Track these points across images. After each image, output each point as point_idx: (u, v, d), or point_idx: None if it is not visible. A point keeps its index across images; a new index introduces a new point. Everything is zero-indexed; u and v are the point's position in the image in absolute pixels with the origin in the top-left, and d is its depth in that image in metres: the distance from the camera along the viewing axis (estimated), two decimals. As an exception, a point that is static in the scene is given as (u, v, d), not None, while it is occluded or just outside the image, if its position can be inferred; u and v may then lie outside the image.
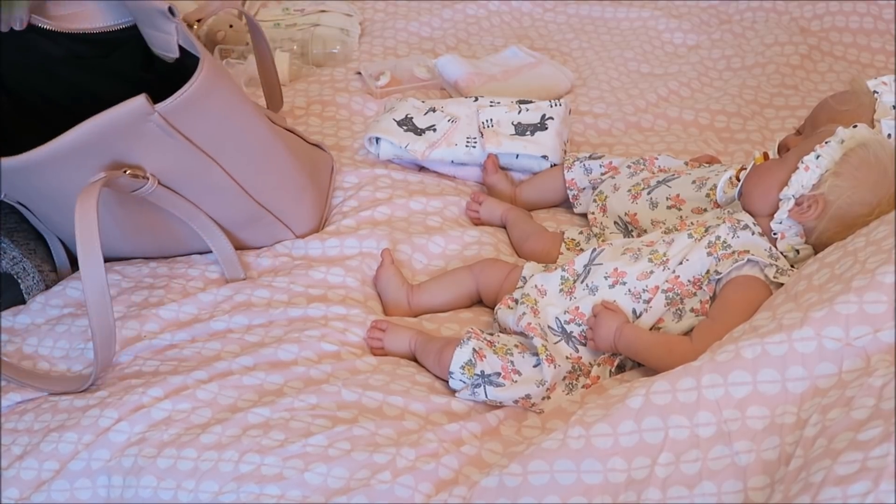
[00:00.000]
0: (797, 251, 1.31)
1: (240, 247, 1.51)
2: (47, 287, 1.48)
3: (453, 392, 1.29)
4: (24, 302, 1.46)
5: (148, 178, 1.31)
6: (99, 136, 1.25)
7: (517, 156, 1.70)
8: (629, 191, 1.54)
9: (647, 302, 1.31)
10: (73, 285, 1.47)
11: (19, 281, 1.46)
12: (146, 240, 1.49)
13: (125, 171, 1.29)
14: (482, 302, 1.48)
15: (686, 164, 1.60)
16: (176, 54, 1.33)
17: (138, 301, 1.44)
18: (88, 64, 1.47)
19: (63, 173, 1.28)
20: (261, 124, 1.42)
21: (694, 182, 1.50)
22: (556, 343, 1.32)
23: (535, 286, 1.36)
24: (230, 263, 1.46)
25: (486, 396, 1.26)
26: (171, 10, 1.29)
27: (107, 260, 1.45)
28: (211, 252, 1.49)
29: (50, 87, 1.49)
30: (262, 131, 1.42)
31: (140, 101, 1.23)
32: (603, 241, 1.51)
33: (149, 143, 1.29)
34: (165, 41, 1.33)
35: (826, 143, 1.28)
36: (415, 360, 1.36)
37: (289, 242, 1.54)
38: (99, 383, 1.31)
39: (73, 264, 1.52)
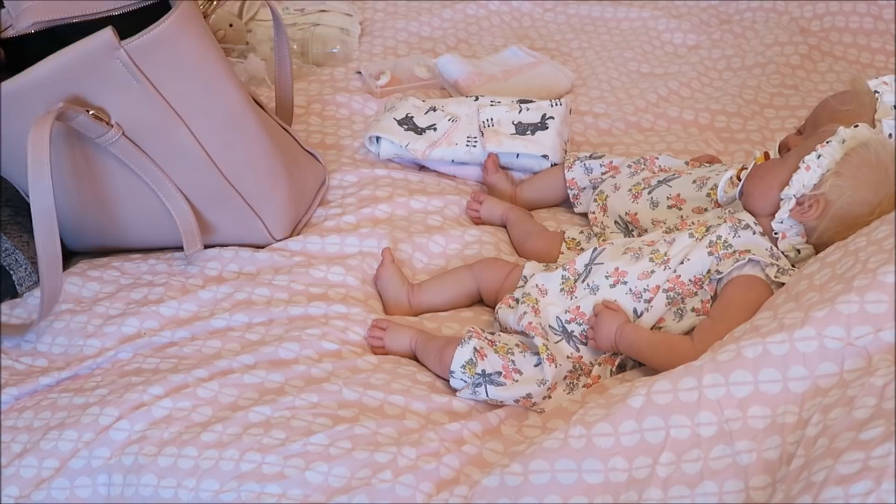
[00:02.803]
0: (798, 251, 1.31)
1: (209, 231, 1.49)
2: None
3: (454, 391, 1.29)
4: (16, 292, 1.47)
5: (112, 126, 1.29)
6: (64, 71, 1.23)
7: (518, 155, 1.70)
8: (630, 190, 1.54)
9: (648, 301, 1.31)
10: (71, 280, 1.47)
11: (11, 272, 1.46)
12: (91, 218, 1.47)
13: (88, 111, 1.27)
14: (483, 301, 1.48)
15: (687, 163, 1.60)
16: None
17: (138, 298, 1.43)
18: None
19: (29, 114, 1.26)
20: (233, 88, 1.38)
21: (694, 182, 1.50)
22: (556, 342, 1.32)
23: (536, 285, 1.36)
24: (189, 234, 1.43)
25: (487, 396, 1.26)
26: None
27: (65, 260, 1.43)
28: (163, 249, 1.48)
29: None
30: (233, 96, 1.39)
31: (107, 35, 1.21)
32: (603, 240, 1.51)
33: (115, 86, 1.26)
34: None
35: (827, 142, 1.28)
36: (415, 359, 1.36)
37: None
38: (45, 323, 1.34)
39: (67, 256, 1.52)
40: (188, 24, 1.27)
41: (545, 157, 1.69)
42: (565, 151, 1.72)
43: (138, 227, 1.48)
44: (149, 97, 1.29)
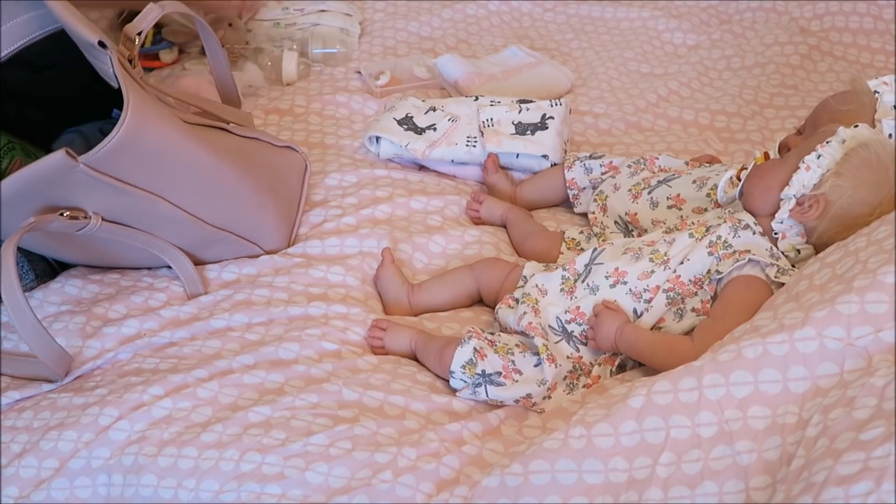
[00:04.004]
0: (798, 251, 1.31)
1: (208, 263, 1.49)
2: (37, 276, 1.48)
3: (454, 391, 1.29)
4: None
5: (90, 218, 1.29)
6: (24, 189, 1.22)
7: (517, 155, 1.70)
8: (630, 190, 1.54)
9: (648, 301, 1.31)
10: (71, 283, 1.47)
11: None
12: (99, 259, 1.49)
13: (62, 214, 1.27)
14: (483, 301, 1.48)
15: (687, 163, 1.60)
16: (115, 84, 1.26)
17: (139, 301, 1.43)
18: (52, 76, 1.45)
19: (3, 220, 1.27)
20: (202, 153, 1.35)
21: (694, 182, 1.50)
22: (556, 342, 1.32)
23: (536, 285, 1.36)
24: (191, 281, 1.44)
25: (487, 396, 1.26)
26: (101, 44, 1.23)
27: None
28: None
29: (33, 110, 1.49)
30: (204, 160, 1.36)
31: (60, 157, 1.19)
32: (603, 240, 1.50)
33: (83, 189, 1.25)
34: (105, 71, 1.28)
35: (827, 142, 1.28)
36: (415, 359, 1.36)
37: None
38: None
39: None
40: (141, 119, 1.24)
41: (545, 157, 1.69)
42: (565, 151, 1.72)
43: (138, 261, 1.49)
44: (120, 190, 1.28)
